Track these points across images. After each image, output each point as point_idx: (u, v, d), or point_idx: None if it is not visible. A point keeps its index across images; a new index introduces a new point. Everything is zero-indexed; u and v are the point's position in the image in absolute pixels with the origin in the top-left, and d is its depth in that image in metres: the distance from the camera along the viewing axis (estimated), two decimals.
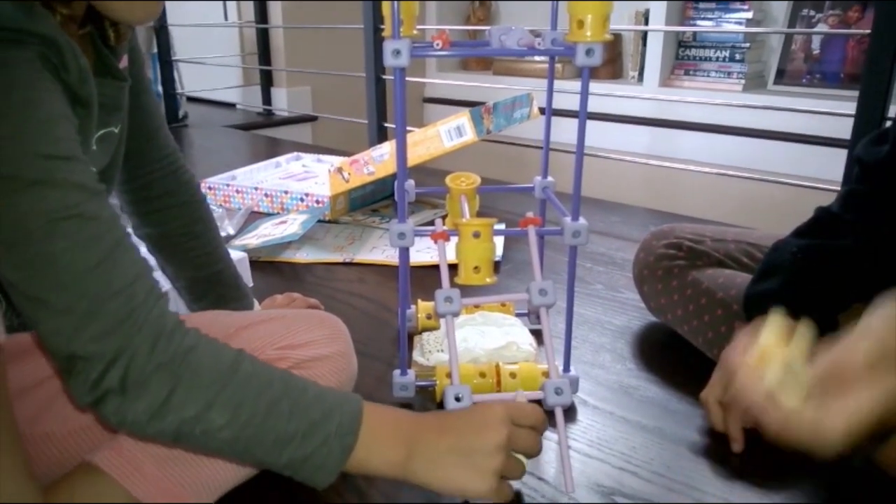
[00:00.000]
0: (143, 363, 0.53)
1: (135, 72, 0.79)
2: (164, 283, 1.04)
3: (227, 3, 3.14)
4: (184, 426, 0.55)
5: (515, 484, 0.73)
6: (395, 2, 0.73)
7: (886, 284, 0.63)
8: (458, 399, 0.71)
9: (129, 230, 0.59)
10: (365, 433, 0.61)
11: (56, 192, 0.53)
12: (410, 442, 0.62)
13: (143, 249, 0.94)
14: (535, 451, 0.66)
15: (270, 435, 0.58)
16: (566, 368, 0.91)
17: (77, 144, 0.56)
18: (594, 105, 2.66)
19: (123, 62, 0.71)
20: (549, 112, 0.97)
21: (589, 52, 0.71)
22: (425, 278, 1.24)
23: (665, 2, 2.54)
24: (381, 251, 1.43)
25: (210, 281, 0.93)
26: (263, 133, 2.87)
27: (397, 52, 0.73)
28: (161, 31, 2.70)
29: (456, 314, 0.74)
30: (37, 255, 0.52)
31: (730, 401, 0.79)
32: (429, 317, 1.05)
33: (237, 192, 1.70)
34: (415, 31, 0.86)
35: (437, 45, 0.77)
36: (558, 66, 2.82)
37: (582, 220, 0.81)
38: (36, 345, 0.74)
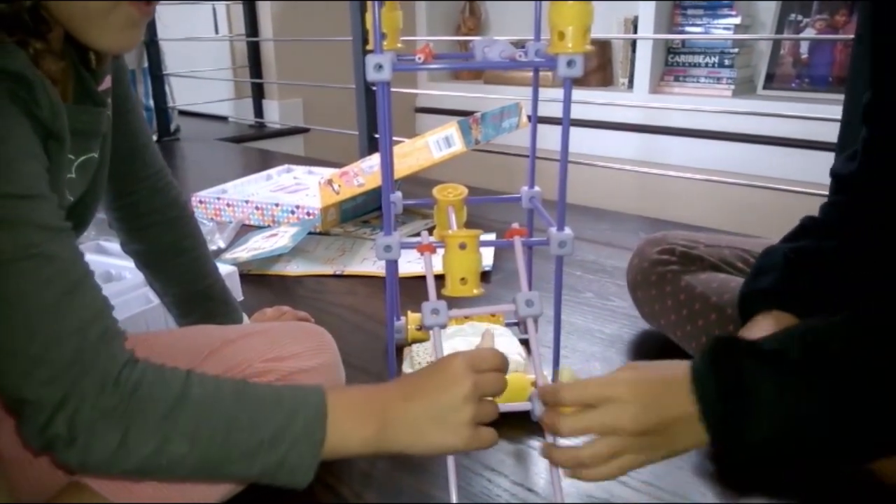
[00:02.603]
0: (91, 410, 0.52)
1: (120, 91, 0.79)
2: (153, 299, 1.04)
3: (218, 16, 3.15)
4: (147, 463, 0.55)
5: (509, 498, 0.73)
6: (377, 13, 0.74)
7: (866, 284, 0.63)
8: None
9: (104, 239, 0.58)
10: (334, 421, 0.60)
11: (15, 232, 0.52)
12: (380, 415, 0.62)
13: (131, 265, 0.94)
14: (501, 392, 0.64)
15: (236, 451, 0.57)
16: (555, 378, 0.91)
17: (44, 182, 0.55)
18: (585, 112, 2.66)
19: (106, 83, 0.71)
20: (534, 122, 0.97)
21: (570, 63, 0.72)
22: (415, 289, 1.24)
23: (654, 2, 2.55)
24: (371, 263, 1.43)
25: (199, 296, 0.93)
26: (255, 146, 2.87)
27: (379, 67, 0.73)
28: (151, 46, 2.70)
29: (443, 326, 0.74)
30: None
31: None
32: (419, 328, 1.05)
33: (228, 205, 1.70)
34: (399, 45, 0.86)
35: (419, 58, 0.77)
36: (547, 74, 2.82)
37: (567, 231, 0.81)
38: None
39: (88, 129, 0.68)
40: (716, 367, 0.59)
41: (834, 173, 0.82)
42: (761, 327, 0.78)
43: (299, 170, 2.05)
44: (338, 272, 1.40)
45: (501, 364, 0.65)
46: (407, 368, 0.97)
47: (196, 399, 0.56)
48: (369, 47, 0.75)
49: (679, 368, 0.61)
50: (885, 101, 0.72)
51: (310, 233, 1.55)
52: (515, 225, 0.83)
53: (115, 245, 0.92)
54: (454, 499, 0.68)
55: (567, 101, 0.77)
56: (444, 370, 0.63)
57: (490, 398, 0.65)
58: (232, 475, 0.59)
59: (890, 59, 0.69)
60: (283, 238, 1.47)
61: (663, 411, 0.59)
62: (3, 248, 0.52)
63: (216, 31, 3.17)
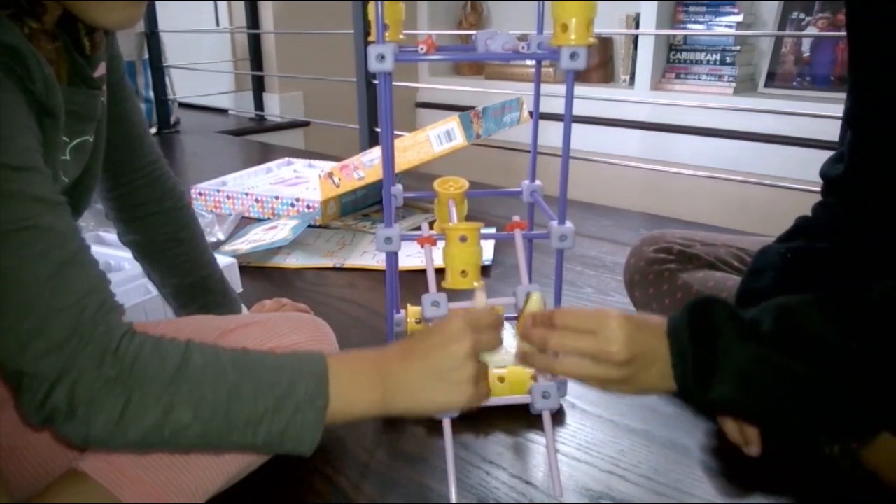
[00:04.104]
0: (90, 382, 0.52)
1: (115, 80, 0.79)
2: (151, 290, 1.04)
3: (219, 8, 3.14)
4: (150, 434, 0.55)
5: (507, 491, 0.73)
6: (380, 5, 0.74)
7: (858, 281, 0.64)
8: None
9: (102, 230, 0.58)
10: (336, 386, 0.60)
11: (9, 204, 0.52)
12: (383, 378, 0.62)
13: (130, 256, 0.94)
14: (498, 348, 0.66)
15: (240, 420, 0.57)
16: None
17: (38, 155, 0.55)
18: (586, 109, 2.66)
19: (101, 70, 0.71)
20: (536, 116, 0.97)
21: (573, 55, 0.71)
22: (415, 283, 1.23)
23: (656, 2, 2.54)
24: (371, 256, 1.43)
25: (196, 287, 0.93)
26: (256, 138, 2.86)
27: (382, 57, 0.73)
28: (152, 38, 2.69)
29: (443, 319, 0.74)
30: None
31: None
32: (418, 321, 1.05)
33: (228, 197, 1.70)
34: (401, 36, 0.86)
35: (422, 49, 0.77)
36: (549, 70, 2.82)
37: (568, 224, 0.81)
38: None
39: (82, 111, 0.68)
40: (692, 323, 0.62)
41: (822, 175, 0.83)
42: None
43: (299, 163, 2.05)
44: (337, 265, 1.40)
45: (497, 322, 0.66)
46: None
47: (197, 368, 0.56)
48: (371, 39, 0.75)
49: (660, 319, 0.65)
50: (864, 104, 0.72)
51: (310, 226, 1.55)
52: (516, 218, 0.83)
53: (113, 236, 0.92)
54: (453, 491, 0.68)
55: (569, 94, 0.76)
56: (444, 330, 0.63)
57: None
58: (236, 444, 0.59)
59: (866, 63, 0.70)
60: (282, 231, 1.47)
61: (644, 348, 0.63)
62: (1, 218, 0.51)
63: (217, 24, 3.16)
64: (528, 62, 2.75)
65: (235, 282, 1.23)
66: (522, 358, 0.70)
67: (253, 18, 2.96)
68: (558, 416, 0.88)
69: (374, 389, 0.62)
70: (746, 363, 0.60)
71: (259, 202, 1.66)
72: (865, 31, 0.69)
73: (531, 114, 0.98)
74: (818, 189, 0.85)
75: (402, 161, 1.43)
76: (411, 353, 0.63)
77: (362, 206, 1.71)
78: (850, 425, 0.66)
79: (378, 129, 2.22)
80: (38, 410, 0.53)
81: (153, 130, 2.75)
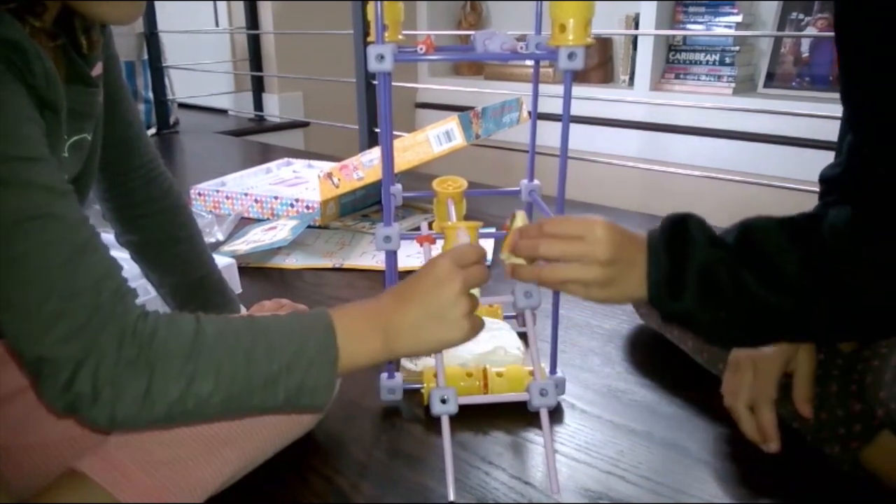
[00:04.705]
0: (113, 364, 0.53)
1: (111, 79, 0.79)
2: (150, 290, 1.04)
3: (218, 8, 3.14)
4: (174, 408, 0.55)
5: (506, 491, 0.73)
6: (379, 5, 0.74)
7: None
8: (443, 401, 0.71)
9: (99, 231, 0.58)
10: (342, 339, 0.62)
11: (21, 194, 0.52)
12: (383, 325, 0.64)
13: (127, 256, 0.94)
14: (485, 282, 0.68)
15: (258, 382, 0.58)
16: (552, 370, 0.91)
17: (44, 145, 0.56)
18: (586, 109, 2.65)
19: (97, 70, 0.71)
20: (534, 116, 0.97)
21: (571, 55, 0.71)
22: None
23: (655, 2, 2.54)
24: (370, 256, 1.43)
25: (194, 287, 0.93)
26: (255, 139, 2.86)
27: (381, 57, 0.73)
28: (151, 38, 2.69)
29: None
30: (3, 257, 0.52)
31: (757, 397, 0.78)
32: None
33: (227, 198, 1.69)
34: (400, 37, 0.86)
35: (421, 49, 0.77)
36: (548, 70, 2.82)
37: None
38: (12, 353, 0.74)
39: (80, 108, 0.68)
40: (668, 231, 0.67)
41: (822, 178, 0.84)
42: None
43: (299, 163, 2.05)
44: (337, 265, 1.40)
45: (481, 256, 0.69)
46: (406, 362, 0.97)
47: (211, 338, 0.57)
48: (370, 39, 0.75)
49: (641, 232, 0.69)
50: (854, 107, 0.73)
51: (309, 226, 1.55)
52: None
53: (111, 236, 0.92)
54: (451, 491, 0.68)
55: (567, 94, 0.76)
56: (432, 271, 0.66)
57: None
58: (257, 407, 0.60)
59: (853, 65, 0.70)
60: (282, 231, 1.47)
61: (626, 253, 0.67)
62: (10, 209, 0.52)
63: (216, 24, 3.16)
64: (528, 62, 2.75)
65: (235, 282, 1.23)
66: (511, 272, 0.72)
67: (252, 19, 2.95)
68: (557, 417, 0.88)
69: (376, 338, 0.64)
70: (708, 271, 0.65)
71: (258, 202, 1.66)
72: (855, 34, 0.69)
73: (530, 114, 0.98)
74: (817, 190, 0.85)
75: (402, 161, 1.43)
76: (406, 299, 0.65)
77: (362, 206, 1.71)
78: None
79: (377, 130, 2.22)
80: (61, 396, 0.53)
81: (152, 131, 2.75)
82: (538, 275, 0.70)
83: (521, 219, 0.74)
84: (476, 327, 0.67)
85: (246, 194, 1.68)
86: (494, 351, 0.94)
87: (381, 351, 0.65)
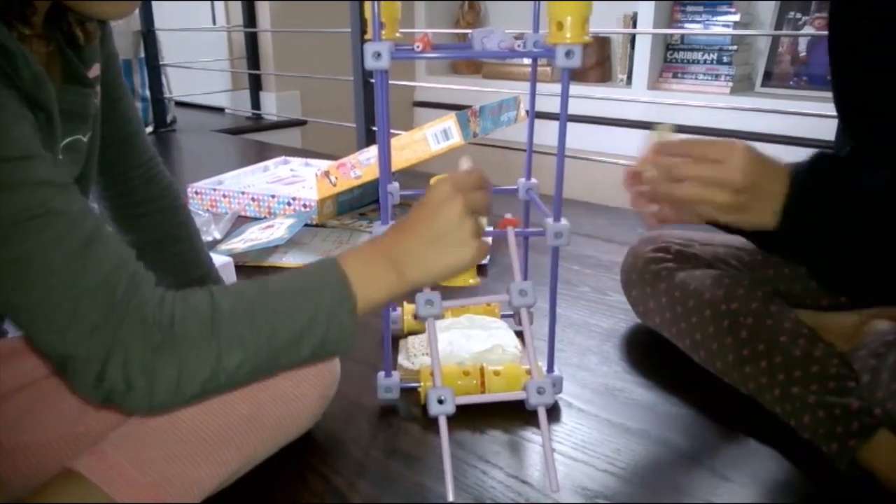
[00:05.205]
0: (140, 355, 0.53)
1: (110, 78, 0.78)
2: None
3: (216, 7, 3.14)
4: (208, 384, 0.56)
5: (504, 490, 0.73)
6: (376, 3, 0.73)
7: None
8: (441, 402, 0.71)
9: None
10: (355, 283, 0.62)
11: (19, 193, 0.52)
12: (392, 260, 0.64)
13: None
14: (486, 208, 0.69)
15: (283, 344, 0.58)
16: (550, 369, 0.91)
17: (37, 142, 0.55)
18: (583, 108, 2.63)
19: (95, 70, 0.70)
20: (532, 114, 0.97)
21: (568, 53, 0.71)
22: None
23: (653, 1, 2.54)
24: None
25: (193, 286, 0.92)
26: (252, 137, 2.86)
27: (378, 55, 0.73)
28: (148, 36, 2.68)
29: (437, 317, 0.74)
30: (10, 259, 0.51)
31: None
32: (415, 317, 1.04)
33: (224, 196, 1.69)
34: (398, 35, 0.86)
35: (418, 47, 0.76)
36: (547, 69, 2.82)
37: (564, 221, 0.81)
38: (11, 351, 0.74)
39: (74, 109, 0.67)
40: (812, 179, 0.71)
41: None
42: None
43: (296, 161, 2.04)
44: None
45: (483, 182, 0.69)
46: (403, 360, 0.97)
47: (229, 310, 0.57)
48: (368, 37, 0.75)
49: (784, 164, 0.73)
50: (848, 111, 0.75)
51: (306, 225, 1.55)
52: (508, 215, 0.83)
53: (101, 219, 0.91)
54: (450, 490, 0.68)
55: (564, 92, 0.76)
56: (432, 198, 0.66)
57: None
58: (285, 366, 0.61)
59: (847, 66, 0.72)
60: (279, 229, 1.47)
61: (762, 180, 0.70)
62: (11, 210, 0.51)
63: (214, 22, 3.16)
64: (526, 61, 2.76)
65: (231, 281, 1.23)
66: (650, 183, 0.75)
67: (250, 17, 2.95)
68: (554, 415, 0.88)
69: (388, 272, 0.64)
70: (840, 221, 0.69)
71: (255, 201, 1.66)
72: (849, 34, 0.70)
73: (528, 112, 0.98)
74: None
75: (399, 160, 1.43)
76: (410, 229, 0.66)
77: (359, 205, 1.70)
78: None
79: (375, 128, 2.22)
80: (95, 391, 0.53)
81: (149, 129, 2.75)
82: (673, 191, 0.73)
83: (666, 130, 0.76)
84: (484, 249, 0.67)
85: (243, 193, 1.68)
86: (492, 349, 0.94)
87: (395, 284, 0.64)
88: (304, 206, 1.59)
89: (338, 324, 0.61)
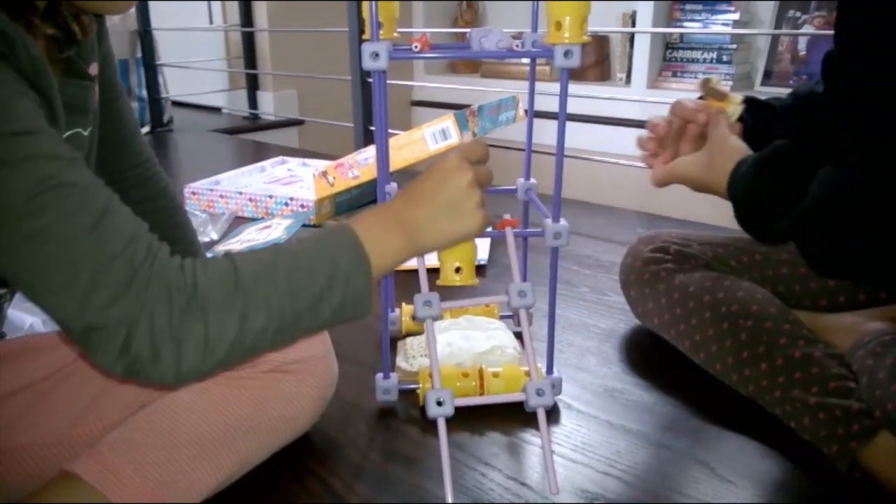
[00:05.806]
0: (167, 319, 0.52)
1: (106, 78, 0.78)
2: None
3: (213, 6, 3.13)
4: (234, 348, 0.56)
5: (503, 493, 0.73)
6: (374, 3, 0.73)
7: None
8: (439, 404, 0.71)
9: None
10: (369, 247, 0.63)
11: (29, 168, 0.51)
12: (403, 225, 0.66)
13: None
14: (491, 181, 0.71)
15: (304, 306, 0.59)
16: (549, 370, 0.91)
17: (41, 118, 0.54)
18: (582, 107, 2.63)
19: (94, 69, 0.70)
20: (530, 114, 0.96)
21: (567, 53, 0.71)
22: (409, 282, 1.22)
23: (652, 0, 2.54)
24: None
25: None
26: (249, 137, 2.85)
27: (376, 55, 0.72)
28: (145, 36, 2.68)
29: (435, 318, 0.73)
30: (25, 234, 0.51)
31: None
32: (414, 318, 1.04)
33: (221, 196, 1.69)
34: (396, 34, 0.85)
35: (416, 47, 0.76)
36: (545, 68, 2.82)
37: (563, 222, 0.81)
38: (8, 354, 0.73)
39: (74, 102, 0.67)
40: (759, 162, 0.81)
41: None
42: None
43: (293, 161, 2.04)
44: None
45: (487, 156, 0.71)
46: (401, 362, 0.96)
47: (250, 273, 0.57)
48: (366, 37, 0.75)
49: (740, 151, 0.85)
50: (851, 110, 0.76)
51: (304, 225, 1.54)
52: (507, 216, 0.83)
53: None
54: (449, 492, 0.67)
55: (563, 92, 0.76)
56: (442, 167, 0.67)
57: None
58: (306, 329, 0.62)
59: (853, 64, 0.72)
60: (276, 230, 1.46)
61: (726, 156, 0.85)
62: (23, 185, 0.50)
63: (210, 22, 3.15)
64: (524, 60, 2.75)
65: None
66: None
67: (247, 16, 2.94)
68: (554, 417, 0.87)
69: (400, 237, 0.65)
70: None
71: (253, 201, 1.65)
72: (855, 33, 0.69)
73: (526, 112, 0.97)
74: None
75: (397, 160, 1.42)
76: (420, 197, 0.67)
77: (357, 205, 1.70)
78: None
79: (373, 128, 2.21)
80: (119, 361, 0.53)
81: (146, 129, 2.74)
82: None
83: (713, 83, 0.93)
84: (488, 219, 0.69)
85: (240, 193, 1.67)
86: (491, 351, 0.94)
87: (406, 248, 0.66)
88: (302, 206, 1.59)
89: (354, 287, 0.61)
